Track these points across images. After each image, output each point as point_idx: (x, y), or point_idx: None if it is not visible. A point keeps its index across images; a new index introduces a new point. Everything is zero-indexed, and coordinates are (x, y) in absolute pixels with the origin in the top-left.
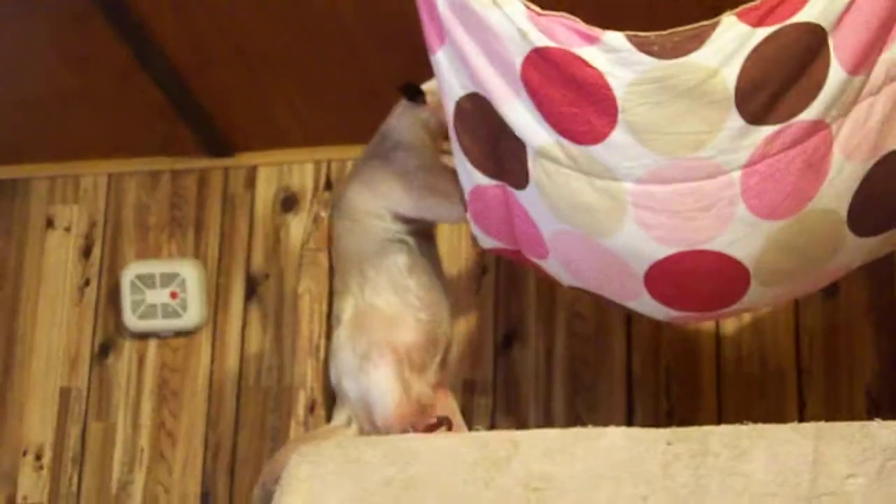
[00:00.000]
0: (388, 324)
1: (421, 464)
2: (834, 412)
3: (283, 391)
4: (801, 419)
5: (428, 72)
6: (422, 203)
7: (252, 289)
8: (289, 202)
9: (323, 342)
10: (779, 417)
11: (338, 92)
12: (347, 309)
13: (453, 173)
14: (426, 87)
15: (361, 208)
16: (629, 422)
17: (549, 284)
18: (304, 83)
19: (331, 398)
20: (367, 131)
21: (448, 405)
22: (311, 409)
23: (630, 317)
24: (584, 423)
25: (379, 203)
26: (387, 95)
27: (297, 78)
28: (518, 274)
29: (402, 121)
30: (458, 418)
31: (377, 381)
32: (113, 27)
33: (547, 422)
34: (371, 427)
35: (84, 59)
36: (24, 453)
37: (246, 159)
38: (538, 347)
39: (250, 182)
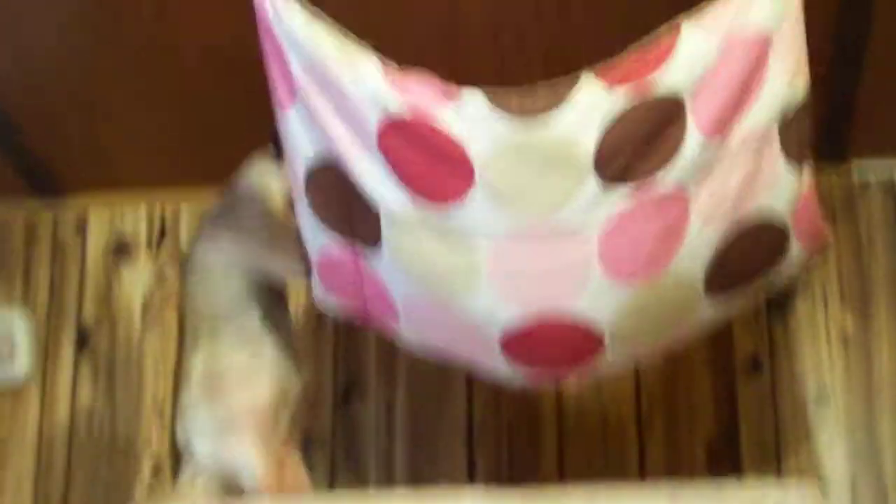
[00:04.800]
0: (242, 384)
1: None
2: (675, 463)
3: (116, 445)
4: (642, 471)
5: (273, 117)
6: (262, 259)
7: (83, 340)
8: (122, 250)
9: (168, 403)
10: (620, 470)
11: (173, 133)
12: (198, 366)
13: (296, 232)
14: None
15: (211, 266)
16: (471, 475)
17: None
18: (140, 123)
19: (176, 456)
20: (203, 174)
21: (294, 461)
22: (156, 471)
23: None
24: (425, 478)
25: (226, 259)
26: (225, 139)
27: (134, 118)
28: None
29: (249, 179)
30: (303, 475)
31: (243, 453)
32: None
33: (388, 476)
34: (223, 488)
35: None
36: None
37: (77, 201)
38: (378, 400)
39: (81, 228)
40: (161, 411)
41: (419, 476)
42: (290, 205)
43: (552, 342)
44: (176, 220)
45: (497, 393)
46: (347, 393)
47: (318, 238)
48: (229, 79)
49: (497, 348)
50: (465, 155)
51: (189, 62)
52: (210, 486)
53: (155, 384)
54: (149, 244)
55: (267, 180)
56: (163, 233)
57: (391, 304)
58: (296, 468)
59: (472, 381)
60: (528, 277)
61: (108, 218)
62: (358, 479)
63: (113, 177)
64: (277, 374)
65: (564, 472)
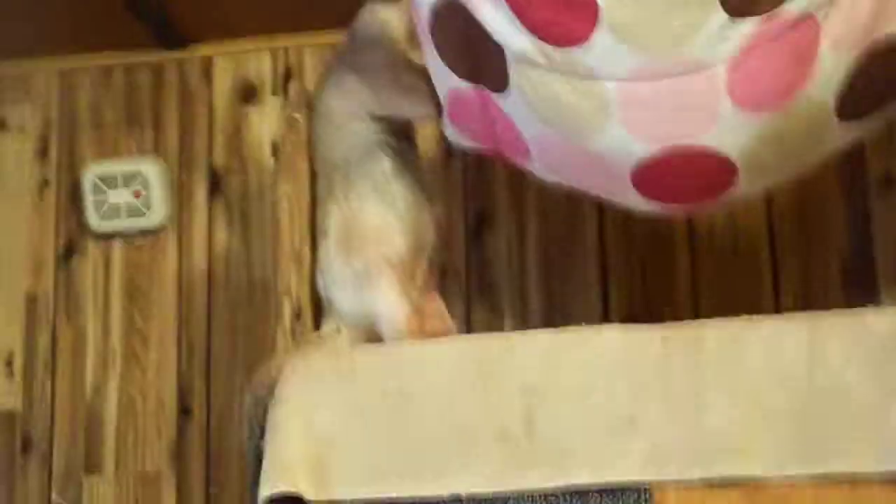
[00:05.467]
0: (377, 234)
1: (416, 372)
2: (809, 284)
3: (253, 288)
4: (776, 294)
5: None
6: (390, 101)
7: (216, 185)
8: (248, 94)
9: (306, 250)
10: (755, 294)
11: None
12: (334, 218)
13: (422, 71)
14: None
15: (338, 110)
16: (605, 304)
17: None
18: None
19: (317, 303)
20: (324, 17)
21: (437, 308)
22: (297, 316)
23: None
24: (559, 308)
25: (353, 104)
26: None
27: None
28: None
29: (370, 19)
30: (447, 320)
31: (381, 298)
32: None
33: (523, 307)
34: (366, 337)
35: None
36: None
37: (200, 51)
38: (510, 231)
39: (207, 74)
40: (299, 258)
41: (554, 306)
42: (414, 44)
43: (685, 175)
44: (300, 64)
45: (628, 221)
46: (479, 224)
47: (446, 80)
48: None
49: (630, 184)
50: None
51: None
52: (353, 335)
53: (291, 230)
54: (274, 88)
55: (388, 20)
56: (287, 76)
57: (522, 144)
58: (437, 313)
59: (603, 210)
60: (659, 114)
61: (232, 64)
62: (493, 309)
63: (235, 24)
64: (412, 221)
65: (698, 299)
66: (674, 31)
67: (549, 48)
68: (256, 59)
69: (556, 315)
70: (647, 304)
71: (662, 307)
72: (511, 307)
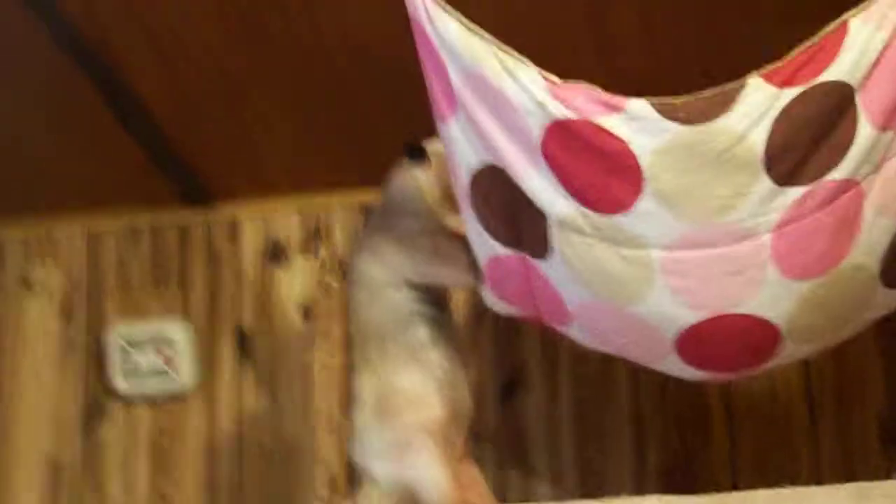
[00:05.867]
0: (415, 401)
1: None
2: (847, 443)
3: (284, 454)
4: (815, 451)
5: (424, 116)
6: (427, 269)
7: (244, 346)
8: (276, 254)
9: (340, 416)
10: (792, 453)
11: (326, 135)
12: (369, 387)
13: (460, 238)
14: (430, 147)
15: (374, 278)
16: (641, 466)
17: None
18: (290, 126)
19: (351, 472)
20: (355, 175)
21: (473, 476)
22: (332, 484)
23: None
24: (595, 470)
25: (389, 271)
26: (377, 139)
27: (284, 121)
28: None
29: (404, 183)
30: (484, 489)
31: (424, 468)
32: (93, 80)
33: (557, 469)
34: None
35: (62, 113)
36: None
37: (227, 209)
38: (542, 392)
39: (234, 234)
40: (333, 425)
41: (589, 469)
42: (449, 207)
43: (730, 342)
44: (329, 223)
45: (663, 382)
46: (510, 386)
47: (485, 246)
48: (380, 78)
49: (672, 350)
50: (633, 160)
51: (339, 62)
52: None
53: (327, 399)
54: (303, 248)
55: (422, 183)
56: (317, 236)
57: (564, 310)
58: (474, 482)
59: (637, 371)
60: (703, 282)
61: (260, 223)
62: (526, 473)
63: (263, 182)
64: (450, 388)
65: (736, 459)
66: (720, 199)
67: (592, 214)
68: (284, 217)
69: (591, 478)
70: (684, 464)
71: (699, 467)
72: (546, 471)
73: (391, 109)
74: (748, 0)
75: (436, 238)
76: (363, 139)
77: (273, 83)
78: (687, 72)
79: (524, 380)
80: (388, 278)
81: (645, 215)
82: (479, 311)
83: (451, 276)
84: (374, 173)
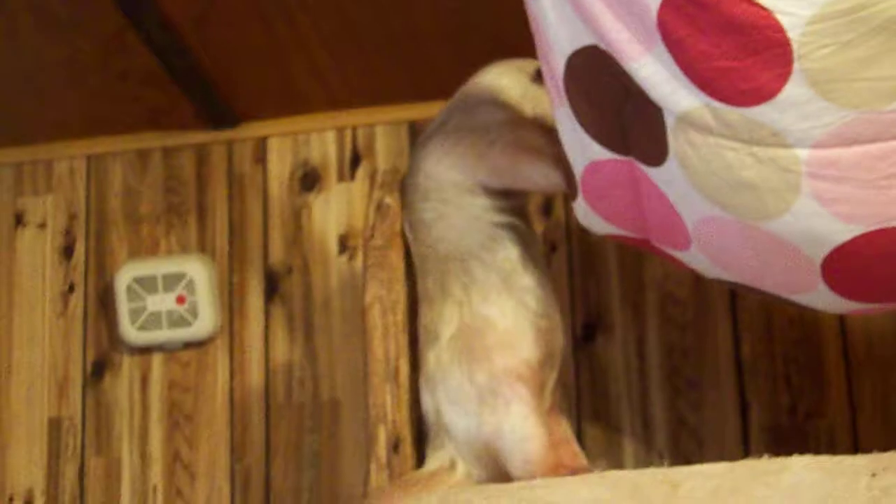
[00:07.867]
0: (506, 341)
1: None
2: None
3: (320, 410)
4: None
5: (484, 23)
6: (511, 166)
7: (273, 286)
8: (309, 179)
9: (402, 364)
10: None
11: (369, 43)
12: (451, 322)
13: (550, 132)
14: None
15: (449, 183)
16: (744, 423)
17: (634, 259)
18: (327, 32)
19: (419, 431)
20: (401, 89)
21: (565, 434)
22: (395, 447)
23: (734, 293)
24: (689, 425)
25: (459, 173)
26: (428, 47)
27: (320, 26)
28: (595, 249)
29: (494, 74)
30: (575, 447)
31: (514, 423)
32: None
33: (645, 428)
34: (487, 473)
35: (67, 23)
36: (11, 500)
37: (253, 130)
38: (627, 338)
39: (260, 157)
40: (395, 376)
41: (683, 423)
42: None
43: (893, 264)
44: (371, 145)
45: (767, 316)
46: (589, 330)
47: (583, 150)
48: None
49: (820, 277)
50: (781, 33)
51: None
52: (472, 471)
53: (384, 342)
54: (340, 173)
55: (509, 85)
56: (356, 159)
57: (681, 230)
58: (567, 441)
59: (735, 307)
60: (862, 187)
61: (290, 144)
62: (609, 431)
63: (295, 95)
64: (545, 323)
65: (856, 412)
66: (889, 81)
67: (723, 107)
68: (319, 138)
69: (684, 438)
70: (793, 417)
71: (813, 420)
72: (631, 430)
73: (445, 14)
74: None
75: (520, 129)
76: (412, 48)
77: None
78: None
79: (606, 324)
80: (463, 181)
81: (792, 105)
82: (551, 240)
83: (535, 174)
84: (423, 87)
